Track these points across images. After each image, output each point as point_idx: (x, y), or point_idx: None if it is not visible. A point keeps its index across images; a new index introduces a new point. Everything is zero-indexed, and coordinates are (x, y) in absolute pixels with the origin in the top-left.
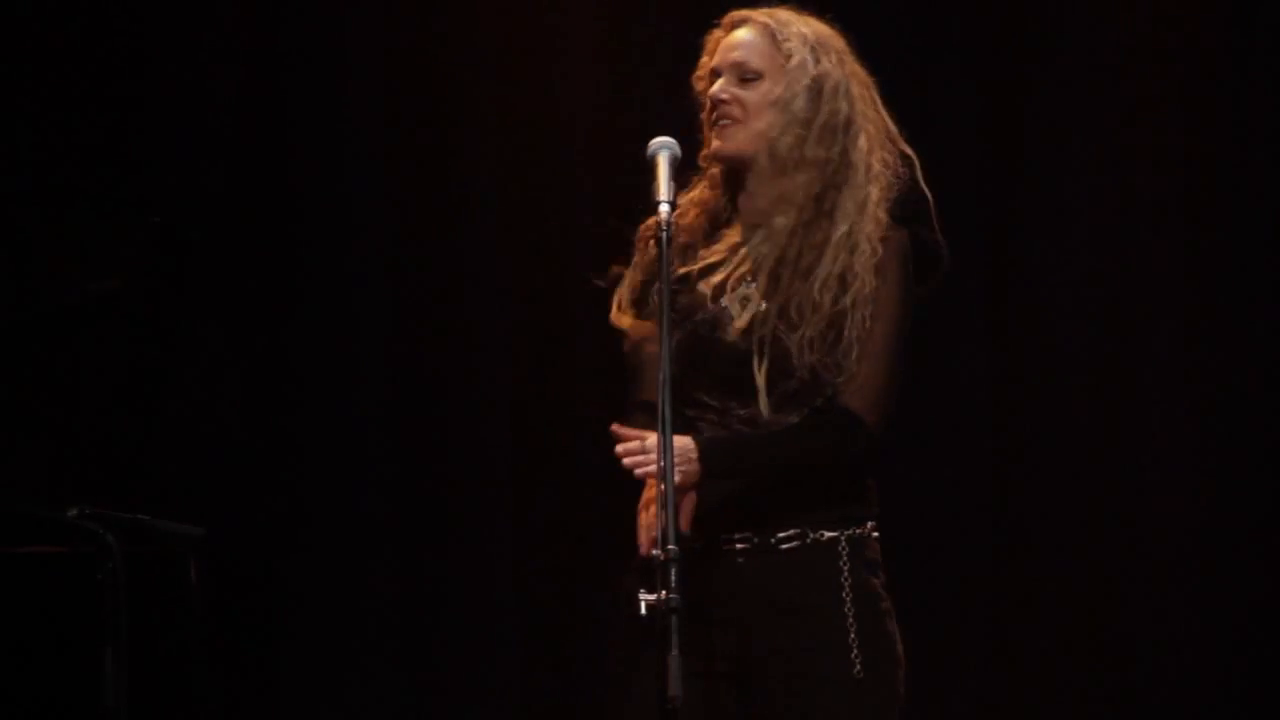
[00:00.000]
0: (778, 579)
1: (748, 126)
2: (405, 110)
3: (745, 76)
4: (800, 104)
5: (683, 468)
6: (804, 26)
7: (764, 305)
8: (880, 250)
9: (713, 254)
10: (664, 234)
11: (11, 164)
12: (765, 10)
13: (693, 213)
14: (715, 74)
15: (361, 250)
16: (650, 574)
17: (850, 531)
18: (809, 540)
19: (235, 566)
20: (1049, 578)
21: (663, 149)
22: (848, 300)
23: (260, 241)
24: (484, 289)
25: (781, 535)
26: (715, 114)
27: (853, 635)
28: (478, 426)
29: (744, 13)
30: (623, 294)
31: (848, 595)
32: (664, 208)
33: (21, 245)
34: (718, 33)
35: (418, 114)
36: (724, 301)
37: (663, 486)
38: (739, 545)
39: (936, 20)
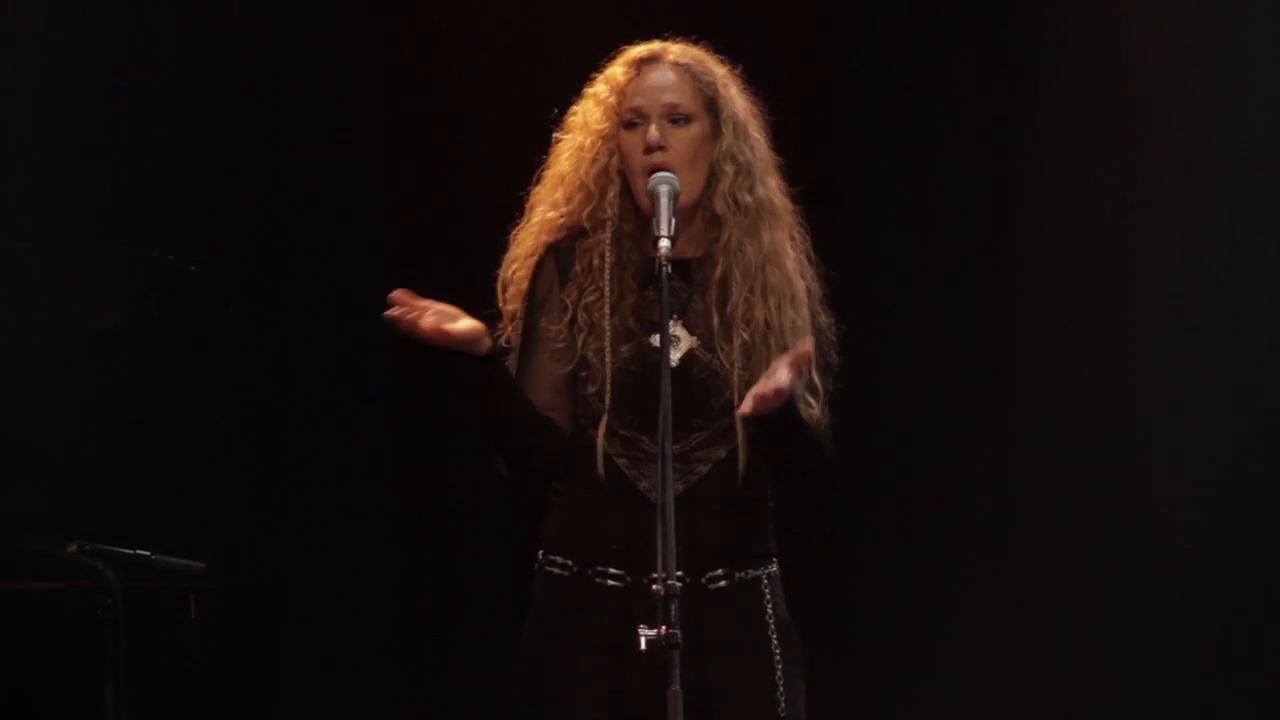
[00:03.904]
0: (709, 618)
1: (691, 170)
2: (402, 122)
3: (675, 119)
4: (726, 144)
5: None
6: (714, 65)
7: (696, 341)
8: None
9: (628, 287)
10: (665, 268)
11: (12, 200)
12: (669, 48)
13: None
14: (640, 115)
15: (361, 285)
16: None
17: (769, 570)
18: (736, 579)
19: (235, 601)
20: (1049, 577)
21: (663, 184)
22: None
23: (259, 276)
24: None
25: (710, 575)
26: (652, 157)
27: (779, 674)
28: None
29: (650, 51)
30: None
31: (773, 633)
32: (664, 242)
33: (23, 281)
34: (617, 71)
35: (415, 126)
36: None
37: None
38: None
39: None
